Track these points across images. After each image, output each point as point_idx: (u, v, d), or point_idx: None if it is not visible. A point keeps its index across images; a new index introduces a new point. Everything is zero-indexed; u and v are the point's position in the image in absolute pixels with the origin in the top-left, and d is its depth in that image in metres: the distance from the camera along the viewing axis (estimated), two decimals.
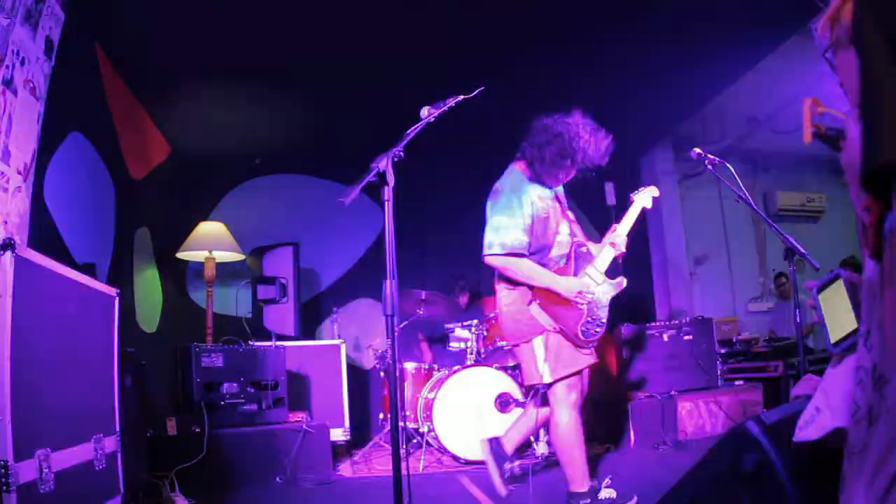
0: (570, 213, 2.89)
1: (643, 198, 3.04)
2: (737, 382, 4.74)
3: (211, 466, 3.30)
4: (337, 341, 4.64)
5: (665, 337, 4.67)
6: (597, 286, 2.73)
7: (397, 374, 2.04)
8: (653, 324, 4.76)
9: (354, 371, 4.90)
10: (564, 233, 2.79)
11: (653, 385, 4.54)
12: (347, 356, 4.65)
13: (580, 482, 2.67)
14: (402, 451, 1.96)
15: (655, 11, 3.78)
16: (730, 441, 1.40)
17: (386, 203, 2.07)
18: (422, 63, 4.25)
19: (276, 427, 3.73)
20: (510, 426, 2.95)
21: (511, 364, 4.53)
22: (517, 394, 4.06)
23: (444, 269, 5.31)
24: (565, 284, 2.65)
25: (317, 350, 4.59)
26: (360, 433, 4.61)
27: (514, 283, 2.71)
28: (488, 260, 2.66)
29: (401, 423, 2.03)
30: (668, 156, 6.36)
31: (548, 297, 2.65)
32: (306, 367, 4.45)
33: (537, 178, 2.74)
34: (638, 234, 6.16)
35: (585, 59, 4.33)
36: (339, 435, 4.35)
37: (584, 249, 2.81)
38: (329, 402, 4.44)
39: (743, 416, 4.27)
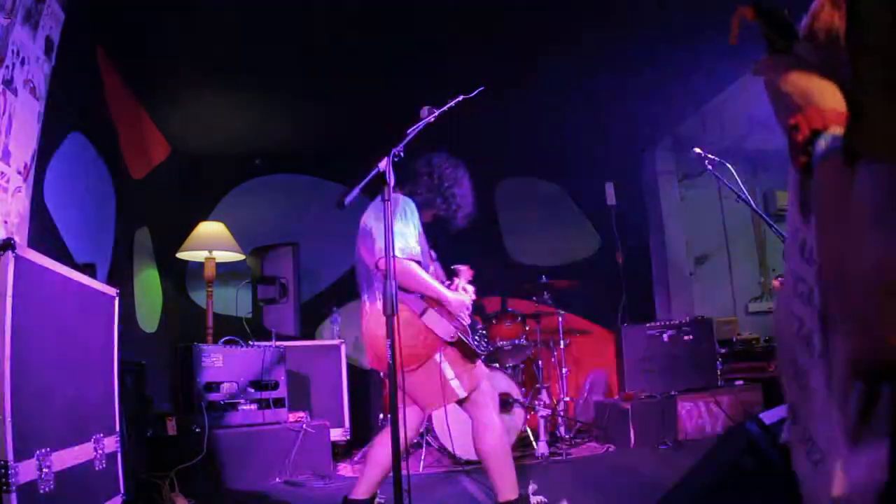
0: (433, 252, 2.88)
1: (465, 273, 2.97)
2: (737, 382, 4.74)
3: (211, 466, 3.30)
4: (337, 341, 4.64)
5: (665, 337, 4.67)
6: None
7: (397, 374, 2.04)
8: (653, 324, 4.77)
9: (354, 371, 4.90)
10: (430, 269, 2.78)
11: (653, 385, 4.55)
12: (347, 356, 4.65)
13: (511, 490, 2.54)
14: (402, 451, 1.96)
15: (656, 12, 3.78)
16: (729, 441, 1.41)
17: (386, 203, 2.07)
18: (422, 63, 4.26)
19: (276, 427, 3.73)
20: (360, 477, 2.68)
21: (510, 364, 4.53)
22: (517, 394, 4.07)
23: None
24: (454, 297, 2.62)
25: (317, 350, 4.59)
26: (360, 433, 4.61)
27: (403, 298, 2.54)
28: (382, 264, 2.47)
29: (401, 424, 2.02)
30: (668, 156, 6.35)
31: (438, 308, 2.57)
32: (306, 367, 4.45)
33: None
34: (638, 234, 6.21)
35: (585, 59, 4.33)
36: (339, 435, 4.35)
37: (448, 283, 2.79)
38: (329, 402, 4.44)
39: (743, 416, 4.27)
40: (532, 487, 2.73)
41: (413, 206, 2.68)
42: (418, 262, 2.55)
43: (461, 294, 2.68)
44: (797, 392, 0.90)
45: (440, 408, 2.62)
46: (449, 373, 2.54)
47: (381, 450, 2.61)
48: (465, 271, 2.95)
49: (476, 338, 2.68)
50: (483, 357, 2.69)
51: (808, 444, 0.87)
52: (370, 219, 2.66)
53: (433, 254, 2.86)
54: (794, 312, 0.91)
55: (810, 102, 0.84)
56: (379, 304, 2.58)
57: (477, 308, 3.31)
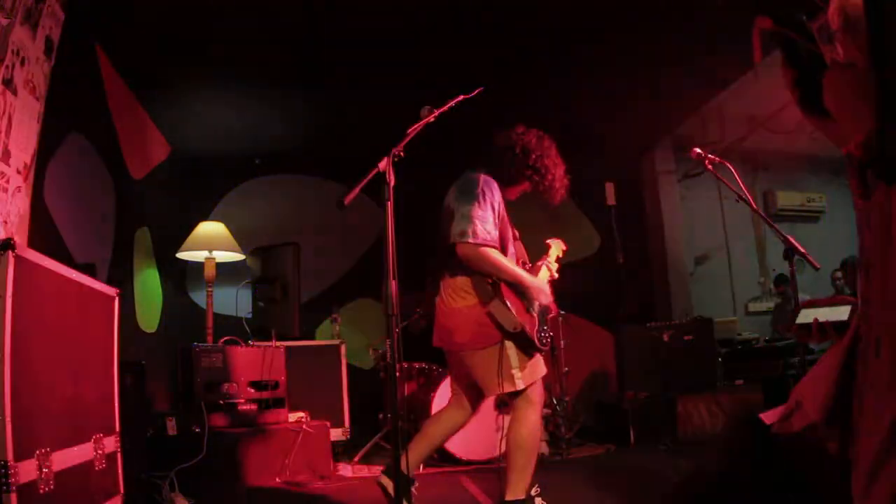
0: (515, 231, 2.86)
1: (557, 245, 3.05)
2: (737, 382, 4.74)
3: (211, 466, 3.30)
4: (337, 341, 4.64)
5: (665, 337, 4.67)
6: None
7: (397, 374, 2.04)
8: (653, 324, 4.76)
9: (354, 371, 4.90)
10: (511, 249, 2.77)
11: (653, 385, 4.54)
12: (347, 356, 4.65)
13: (523, 489, 2.53)
14: (402, 452, 1.96)
15: (656, 12, 3.78)
16: (729, 441, 1.41)
17: (386, 203, 2.07)
18: (423, 63, 4.26)
19: (276, 427, 3.73)
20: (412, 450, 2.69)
21: None
22: None
23: None
24: (532, 280, 2.60)
25: (317, 350, 4.59)
26: (360, 433, 4.61)
27: (474, 280, 2.55)
28: (461, 248, 2.49)
29: (401, 423, 2.02)
30: (669, 156, 6.35)
31: (508, 297, 2.52)
32: (306, 367, 4.44)
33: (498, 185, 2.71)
34: (638, 234, 6.21)
35: (585, 59, 4.33)
36: (339, 435, 4.35)
37: (527, 266, 2.79)
38: (329, 402, 4.44)
39: (743, 417, 4.26)
40: (535, 489, 2.73)
41: (493, 186, 2.63)
42: (493, 245, 2.51)
43: (540, 278, 2.69)
44: (858, 409, 0.90)
45: (495, 394, 2.62)
46: (514, 362, 2.52)
47: (433, 425, 2.72)
48: (556, 244, 2.99)
49: (543, 329, 2.64)
50: (544, 351, 2.64)
51: (857, 460, 0.87)
52: (451, 198, 2.63)
53: (516, 233, 2.82)
54: (857, 330, 0.92)
55: (860, 129, 0.83)
56: (449, 281, 2.61)
57: None
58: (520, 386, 2.52)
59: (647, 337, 4.67)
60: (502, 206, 2.66)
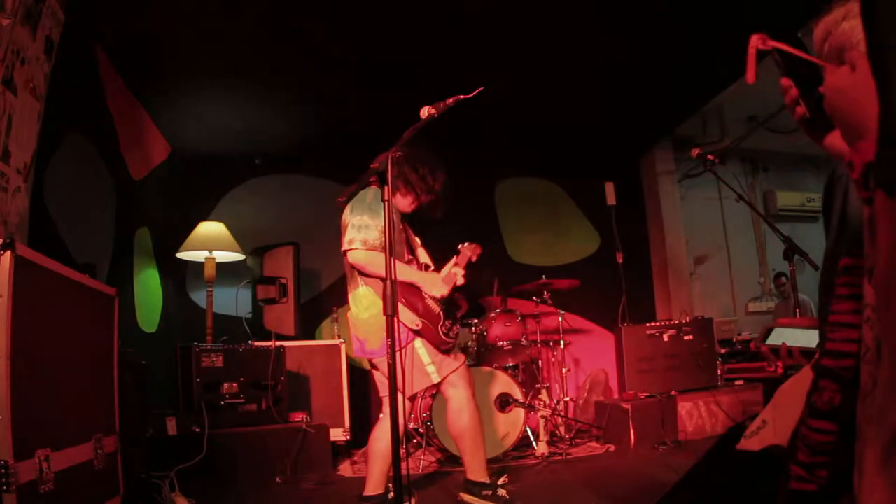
0: (417, 239, 3.00)
1: (471, 249, 3.03)
2: (737, 382, 4.74)
3: (211, 466, 3.30)
4: (337, 341, 4.64)
5: (665, 337, 4.67)
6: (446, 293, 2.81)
7: (397, 373, 2.04)
8: (653, 324, 4.76)
9: (354, 371, 4.90)
10: (410, 257, 2.89)
11: (653, 385, 4.54)
12: (347, 356, 4.65)
13: (483, 471, 2.68)
14: (403, 452, 1.96)
15: (653, 11, 3.78)
16: (729, 442, 1.41)
17: (385, 203, 2.08)
18: (422, 63, 4.26)
19: (276, 427, 3.73)
20: (367, 474, 2.77)
21: (510, 364, 4.53)
22: (517, 394, 4.06)
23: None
24: (423, 276, 2.75)
25: (317, 350, 4.59)
26: (360, 433, 4.60)
27: (374, 289, 2.70)
28: (350, 256, 2.69)
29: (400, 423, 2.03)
30: (669, 156, 6.35)
31: (407, 295, 2.69)
32: (306, 367, 4.45)
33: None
34: (638, 234, 6.21)
35: (585, 58, 4.33)
36: (339, 435, 4.35)
37: (430, 270, 2.89)
38: (329, 402, 4.44)
39: (743, 416, 4.27)
40: (503, 479, 2.85)
41: (382, 197, 2.72)
42: (381, 251, 2.64)
43: (437, 276, 2.79)
44: (863, 417, 0.91)
45: (414, 392, 2.75)
46: (426, 358, 2.70)
47: (378, 443, 2.73)
48: (465, 250, 2.99)
49: (445, 323, 2.75)
50: (450, 346, 2.77)
51: (861, 461, 0.88)
52: (345, 212, 2.79)
53: (417, 240, 2.98)
54: (863, 339, 0.92)
55: (861, 135, 0.83)
56: (354, 293, 2.79)
57: (477, 309, 3.35)
58: (435, 379, 2.70)
59: (647, 337, 4.67)
60: (396, 216, 2.82)
